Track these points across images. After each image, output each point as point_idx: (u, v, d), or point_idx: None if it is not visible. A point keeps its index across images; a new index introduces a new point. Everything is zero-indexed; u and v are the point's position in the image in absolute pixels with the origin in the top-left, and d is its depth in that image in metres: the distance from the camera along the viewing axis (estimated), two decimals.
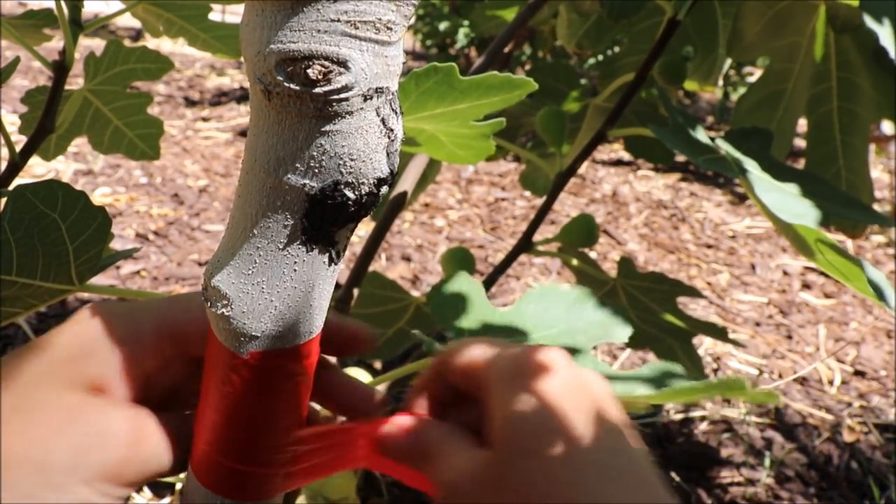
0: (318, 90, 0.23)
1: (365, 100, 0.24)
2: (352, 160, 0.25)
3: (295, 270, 0.27)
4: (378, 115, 0.25)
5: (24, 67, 3.41)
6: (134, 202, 2.03)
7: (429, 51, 4.66)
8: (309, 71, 0.23)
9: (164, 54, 0.70)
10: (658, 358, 0.91)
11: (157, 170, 2.29)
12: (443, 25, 3.96)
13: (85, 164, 2.25)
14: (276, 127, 0.25)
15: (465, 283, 0.53)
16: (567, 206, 2.34)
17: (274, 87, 0.23)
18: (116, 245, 1.71)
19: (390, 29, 0.24)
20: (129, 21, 5.25)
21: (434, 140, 0.62)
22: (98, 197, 2.02)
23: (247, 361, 0.28)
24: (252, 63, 0.24)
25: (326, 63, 0.23)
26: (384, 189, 0.27)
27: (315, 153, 0.25)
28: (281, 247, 0.27)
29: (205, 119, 3.02)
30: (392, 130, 0.26)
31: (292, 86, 0.23)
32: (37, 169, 2.13)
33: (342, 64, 0.23)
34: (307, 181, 0.25)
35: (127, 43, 0.68)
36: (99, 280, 1.42)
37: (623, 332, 0.51)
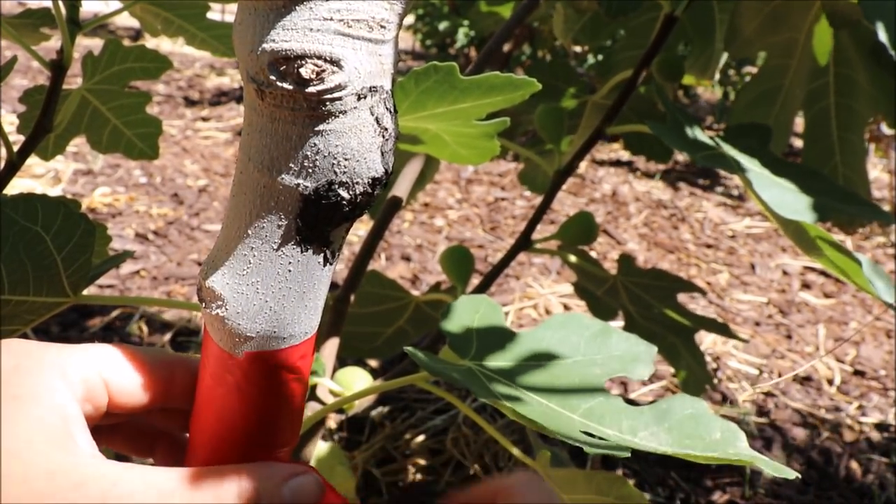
0: (311, 89, 0.23)
1: (359, 99, 0.24)
2: (346, 160, 0.25)
3: (290, 271, 0.27)
4: (372, 114, 0.25)
5: (23, 67, 3.41)
6: (134, 202, 2.03)
7: (428, 50, 4.67)
8: (302, 70, 0.23)
9: (163, 53, 0.69)
10: (660, 354, 0.91)
11: (156, 169, 2.29)
12: (442, 25, 3.97)
13: (84, 163, 2.25)
14: (269, 126, 0.24)
15: (481, 302, 0.51)
16: (567, 206, 2.34)
17: (267, 86, 0.23)
18: (116, 245, 1.72)
19: (384, 27, 0.24)
20: (127, 21, 5.25)
21: (437, 139, 0.61)
22: (98, 197, 2.02)
23: (242, 362, 0.28)
24: (245, 62, 0.24)
25: (319, 62, 0.23)
26: (379, 188, 0.26)
27: (309, 153, 0.24)
28: (275, 247, 0.26)
29: (204, 119, 3.02)
30: (386, 129, 0.26)
31: (285, 85, 0.23)
32: (36, 168, 2.13)
33: (335, 63, 0.23)
34: (301, 181, 0.25)
35: (126, 42, 0.68)
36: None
37: (643, 370, 0.49)
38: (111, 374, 0.30)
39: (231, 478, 0.27)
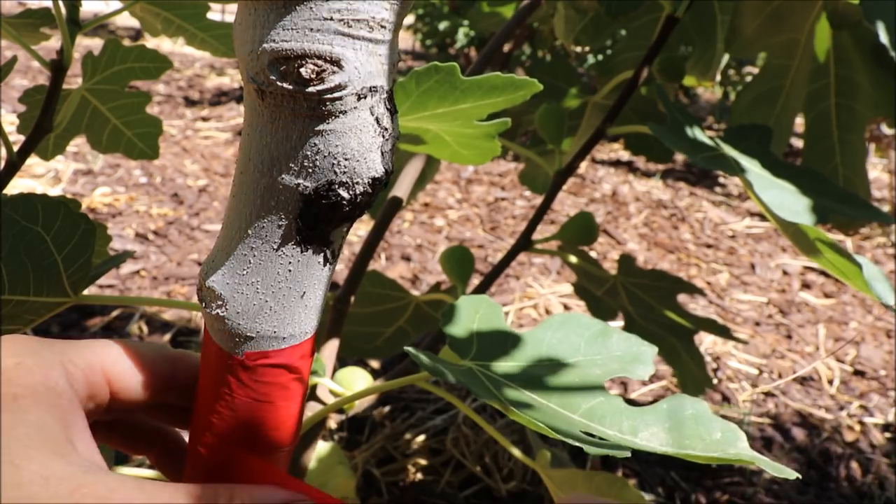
0: (311, 89, 0.23)
1: (359, 99, 0.24)
2: (346, 160, 0.25)
3: (290, 271, 0.27)
4: (372, 114, 0.25)
5: (23, 67, 3.41)
6: (134, 202, 2.03)
7: (429, 50, 4.67)
8: (302, 70, 0.23)
9: (163, 53, 0.69)
10: (660, 356, 0.91)
11: (156, 169, 2.29)
12: (443, 25, 3.96)
13: (84, 163, 2.25)
14: (269, 126, 0.24)
15: (482, 302, 0.51)
16: (567, 206, 2.34)
17: (267, 86, 0.23)
18: (116, 245, 1.71)
19: (384, 27, 0.24)
20: (127, 21, 5.25)
21: (438, 140, 0.61)
22: (98, 197, 2.02)
23: (242, 362, 0.28)
24: (245, 62, 0.24)
25: (320, 62, 0.23)
26: (379, 188, 0.26)
27: (309, 153, 0.24)
28: (275, 247, 0.26)
29: (204, 119, 3.02)
30: (386, 129, 0.26)
31: (285, 85, 0.23)
32: (36, 168, 2.13)
33: (335, 63, 0.23)
34: (301, 181, 0.25)
35: (126, 42, 0.68)
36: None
37: (644, 370, 0.48)
38: (113, 369, 0.30)
39: (224, 499, 0.27)
